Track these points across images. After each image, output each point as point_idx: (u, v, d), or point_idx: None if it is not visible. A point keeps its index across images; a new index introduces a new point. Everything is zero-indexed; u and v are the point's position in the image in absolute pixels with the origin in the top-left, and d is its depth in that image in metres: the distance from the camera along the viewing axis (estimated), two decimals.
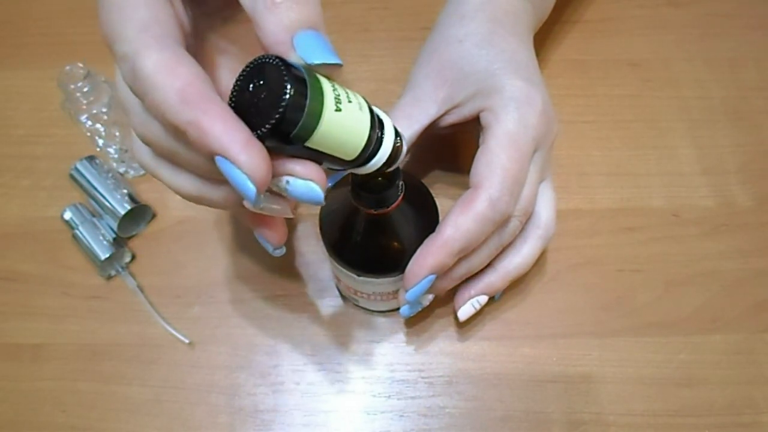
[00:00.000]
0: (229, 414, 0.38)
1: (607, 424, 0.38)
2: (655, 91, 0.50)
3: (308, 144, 0.22)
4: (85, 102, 0.42)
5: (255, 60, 0.22)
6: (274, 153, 0.22)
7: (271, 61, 0.21)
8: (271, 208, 0.24)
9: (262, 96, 0.21)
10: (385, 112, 0.26)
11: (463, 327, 0.40)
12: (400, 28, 0.52)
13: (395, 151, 0.26)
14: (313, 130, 0.22)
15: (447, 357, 0.40)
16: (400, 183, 0.30)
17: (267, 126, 0.21)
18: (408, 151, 0.38)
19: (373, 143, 0.25)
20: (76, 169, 0.44)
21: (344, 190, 0.32)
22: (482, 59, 0.36)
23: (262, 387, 0.39)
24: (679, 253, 0.43)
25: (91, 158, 0.44)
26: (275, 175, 0.22)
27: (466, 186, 0.34)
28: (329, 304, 0.42)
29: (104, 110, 0.43)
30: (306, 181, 0.22)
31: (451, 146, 0.46)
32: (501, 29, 0.37)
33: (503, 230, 0.35)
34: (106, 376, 0.39)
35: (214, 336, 0.41)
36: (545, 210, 0.37)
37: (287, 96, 0.20)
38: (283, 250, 0.29)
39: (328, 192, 0.35)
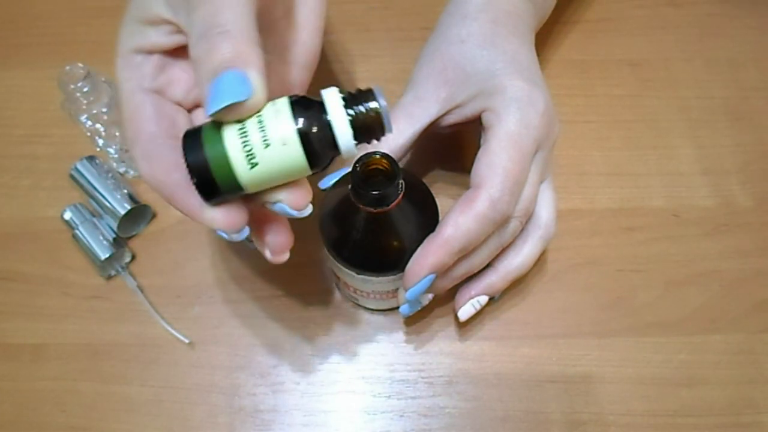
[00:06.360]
0: (229, 414, 0.38)
1: (607, 424, 0.38)
2: (655, 91, 0.50)
3: (248, 192, 0.24)
4: (85, 102, 0.42)
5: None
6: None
7: (186, 131, 0.24)
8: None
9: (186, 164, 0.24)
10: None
11: (463, 327, 0.40)
12: (401, 28, 0.52)
13: (366, 122, 0.23)
14: (239, 188, 0.23)
15: (447, 357, 0.40)
16: (400, 182, 0.30)
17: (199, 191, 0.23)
18: (409, 149, 0.39)
19: (319, 145, 0.23)
20: (76, 169, 0.44)
21: (344, 189, 0.32)
22: (484, 59, 0.36)
23: (262, 387, 0.39)
24: (679, 253, 0.43)
25: (91, 158, 0.44)
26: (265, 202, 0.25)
27: (466, 186, 0.34)
28: (329, 303, 0.42)
29: (104, 110, 0.43)
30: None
31: (452, 146, 0.46)
32: (503, 30, 0.37)
33: (503, 230, 0.35)
34: (106, 376, 0.39)
35: (214, 336, 0.41)
36: (546, 210, 0.37)
37: (190, 165, 0.23)
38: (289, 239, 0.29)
39: (328, 192, 0.35)
